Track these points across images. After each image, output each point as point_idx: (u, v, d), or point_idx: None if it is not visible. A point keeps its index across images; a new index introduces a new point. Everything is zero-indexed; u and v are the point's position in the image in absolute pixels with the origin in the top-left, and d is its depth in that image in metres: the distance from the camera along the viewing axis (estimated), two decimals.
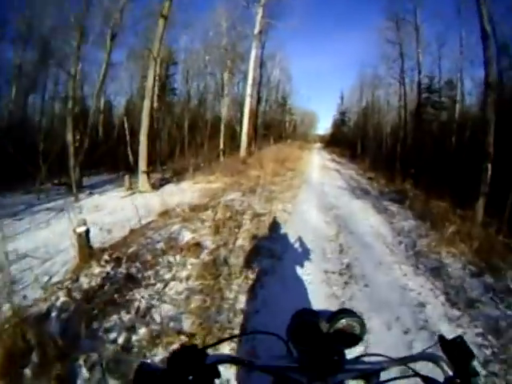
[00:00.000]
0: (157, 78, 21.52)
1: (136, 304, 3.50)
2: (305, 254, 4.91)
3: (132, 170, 13.56)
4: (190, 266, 4.56)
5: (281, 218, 6.83)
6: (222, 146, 21.72)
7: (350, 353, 0.89)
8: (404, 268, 4.67)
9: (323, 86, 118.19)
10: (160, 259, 4.62)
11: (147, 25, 16.88)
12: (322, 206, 8.18)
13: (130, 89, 24.57)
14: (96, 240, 5.22)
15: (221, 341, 1.46)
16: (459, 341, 0.80)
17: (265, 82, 35.94)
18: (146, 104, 11.75)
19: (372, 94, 36.05)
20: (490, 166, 7.66)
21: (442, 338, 0.82)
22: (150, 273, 4.23)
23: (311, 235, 5.81)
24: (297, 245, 5.30)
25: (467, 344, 0.80)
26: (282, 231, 6.04)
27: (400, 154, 20.81)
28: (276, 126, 42.64)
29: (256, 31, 18.70)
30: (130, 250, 4.87)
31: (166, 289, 3.91)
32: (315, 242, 5.51)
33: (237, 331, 3.08)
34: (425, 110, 18.64)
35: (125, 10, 13.91)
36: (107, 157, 16.78)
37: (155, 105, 20.97)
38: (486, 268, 4.62)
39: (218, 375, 0.72)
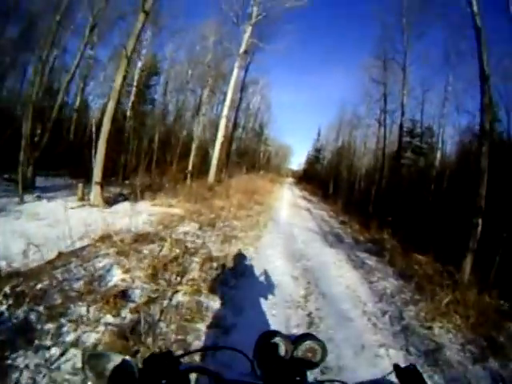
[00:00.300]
0: (134, 83, 20.69)
1: (14, 376, 2.35)
2: (262, 326, 3.58)
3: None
4: (102, 328, 3.22)
5: (238, 266, 5.51)
6: (190, 167, 20.45)
7: (312, 374, 0.99)
8: (392, 353, 3.51)
9: (300, 120, 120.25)
10: (71, 307, 3.38)
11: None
12: (290, 254, 6.88)
13: (109, 90, 22.91)
14: (14, 258, 4.20)
15: (194, 351, 1.79)
16: (412, 369, 0.86)
17: (244, 108, 35.49)
18: (110, 106, 10.34)
19: (349, 133, 36.22)
20: (480, 221, 6.81)
21: (396, 366, 0.88)
22: (50, 326, 3.03)
23: (274, 296, 4.50)
24: (254, 311, 3.96)
25: (420, 372, 0.86)
26: (238, 286, 4.71)
27: (374, 197, 20.24)
28: (250, 155, 42.05)
29: (241, 50, 17.99)
30: (41, 285, 3.63)
31: (62, 359, 2.66)
32: (278, 307, 4.20)
33: None
34: (404, 155, 18.05)
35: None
36: (73, 160, 15.30)
37: (128, 113, 19.87)
38: (488, 348, 3.82)
39: (189, 383, 0.80)
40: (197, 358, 2.59)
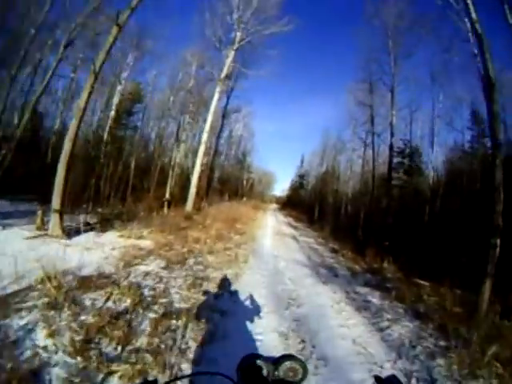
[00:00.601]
0: (113, 107, 19.50)
1: None
2: None
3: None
4: None
5: (206, 324, 4.03)
6: (167, 195, 19.13)
7: None
8: None
9: (284, 147, 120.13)
10: None
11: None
12: (276, 298, 5.45)
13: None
14: None
15: (178, 378, 1.75)
16: (393, 379, 0.92)
17: (226, 136, 34.70)
18: (72, 125, 9.02)
19: (334, 158, 35.80)
20: (499, 241, 5.76)
21: (377, 377, 0.93)
22: None
23: None
24: None
25: (401, 381, 0.90)
26: (204, 358, 3.29)
27: (364, 221, 19.15)
28: (233, 183, 41.16)
29: (223, 74, 17.12)
30: None
31: None
32: None
33: None
34: (394, 176, 17.08)
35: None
36: (44, 184, 13.67)
37: (105, 137, 18.66)
38: None
39: None
40: None
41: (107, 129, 19.39)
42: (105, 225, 10.67)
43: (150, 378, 0.88)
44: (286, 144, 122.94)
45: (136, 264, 6.39)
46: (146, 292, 4.83)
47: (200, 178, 21.04)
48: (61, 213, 8.62)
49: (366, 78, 18.54)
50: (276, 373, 1.00)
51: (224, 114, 25.89)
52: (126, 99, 21.42)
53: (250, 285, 5.88)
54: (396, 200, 16.00)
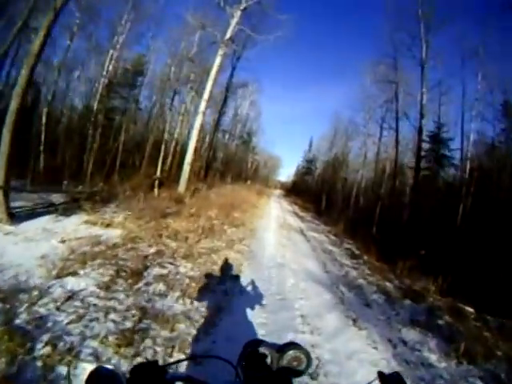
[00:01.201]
0: (104, 73, 17.67)
1: None
2: None
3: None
4: None
5: None
6: (158, 173, 16.80)
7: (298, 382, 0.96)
8: None
9: (291, 132, 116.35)
10: None
11: None
12: None
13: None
14: None
15: (180, 360, 1.74)
16: (396, 376, 0.90)
17: (232, 114, 32.23)
18: (22, 78, 6.68)
19: (344, 144, 33.29)
20: None
21: (381, 373, 0.91)
22: None
23: None
24: None
25: (404, 379, 0.90)
26: None
27: (379, 216, 16.78)
28: (236, 164, 38.89)
29: (227, 36, 14.53)
30: None
31: None
32: None
33: None
34: (424, 166, 14.56)
35: None
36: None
37: (95, 107, 16.99)
38: None
39: None
40: (183, 367, 2.39)
41: (98, 98, 17.35)
42: (73, 206, 8.47)
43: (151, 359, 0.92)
44: (294, 128, 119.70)
45: (70, 273, 4.11)
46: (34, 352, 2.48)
47: (197, 155, 18.89)
48: (5, 191, 6.36)
49: (390, 53, 16.13)
50: (280, 361, 0.98)
51: (228, 87, 23.31)
52: (127, 70, 19.59)
53: (235, 338, 3.16)
54: (424, 194, 13.43)
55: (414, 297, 6.11)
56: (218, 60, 14.97)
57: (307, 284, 5.58)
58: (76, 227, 6.72)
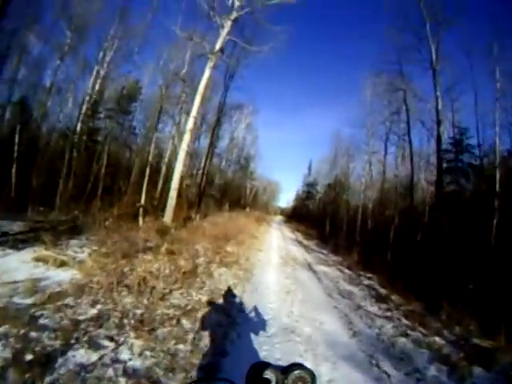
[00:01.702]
0: (88, 90, 16.54)
1: None
2: None
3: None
4: None
5: None
6: (143, 200, 14.94)
7: None
8: None
9: (287, 158, 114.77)
10: None
11: None
12: None
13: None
14: None
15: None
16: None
17: (228, 138, 30.81)
18: None
19: (346, 164, 31.65)
20: None
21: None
22: None
23: None
24: None
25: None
26: None
27: (393, 240, 14.81)
28: (234, 191, 37.11)
29: (217, 47, 12.95)
30: None
31: None
32: None
33: None
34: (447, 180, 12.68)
35: None
36: None
37: (78, 127, 15.95)
38: None
39: None
40: None
41: (80, 118, 16.12)
42: (30, 237, 7.04)
43: None
44: (292, 153, 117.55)
45: None
46: None
47: (192, 182, 17.22)
48: None
49: (393, 59, 14.80)
50: (285, 382, 0.97)
51: (222, 108, 21.61)
52: (122, 96, 18.83)
53: None
54: (450, 213, 11.44)
55: (482, 359, 4.11)
56: (206, 73, 13.35)
57: (332, 368, 3.51)
58: (19, 265, 5.32)
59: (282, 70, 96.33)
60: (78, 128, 15.73)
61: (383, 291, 7.81)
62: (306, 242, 18.96)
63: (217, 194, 29.61)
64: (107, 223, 10.14)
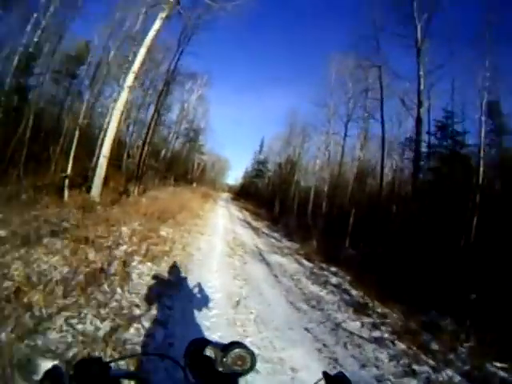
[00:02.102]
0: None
1: None
2: None
3: None
4: None
5: None
6: (69, 169, 12.34)
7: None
8: None
9: (238, 135, 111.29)
10: None
11: None
12: None
13: None
14: None
15: (124, 357, 1.51)
16: (341, 376, 0.90)
17: (177, 109, 28.29)
18: None
19: (301, 144, 30.61)
20: None
21: (325, 374, 0.91)
22: None
23: None
24: None
25: (348, 378, 0.88)
26: None
27: (352, 227, 13.52)
28: (181, 165, 34.62)
29: None
30: None
31: None
32: None
33: None
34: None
35: None
36: None
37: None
38: None
39: None
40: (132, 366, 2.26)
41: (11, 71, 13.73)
42: None
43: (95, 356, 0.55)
44: (243, 132, 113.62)
45: None
46: None
47: (133, 152, 14.86)
48: None
49: (369, 34, 13.56)
50: (224, 359, 0.89)
51: (173, 71, 18.44)
52: (69, 58, 17.21)
53: None
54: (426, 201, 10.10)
55: None
56: (157, 24, 10.98)
57: None
58: None
59: (241, 45, 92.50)
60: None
61: (357, 294, 6.14)
62: (255, 224, 17.12)
63: (162, 166, 27.06)
64: (23, 196, 8.16)
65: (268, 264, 7.38)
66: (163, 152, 28.63)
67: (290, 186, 29.94)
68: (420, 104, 10.80)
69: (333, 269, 8.06)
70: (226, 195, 53.20)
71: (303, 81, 73.69)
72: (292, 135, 31.48)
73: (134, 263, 4.96)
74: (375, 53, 13.52)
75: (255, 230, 14.14)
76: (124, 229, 7.12)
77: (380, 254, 9.90)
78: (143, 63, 11.43)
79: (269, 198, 33.22)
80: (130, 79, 10.84)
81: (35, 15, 13.70)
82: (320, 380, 0.90)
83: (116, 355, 2.50)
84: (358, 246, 12.34)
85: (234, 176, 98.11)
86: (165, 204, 12.04)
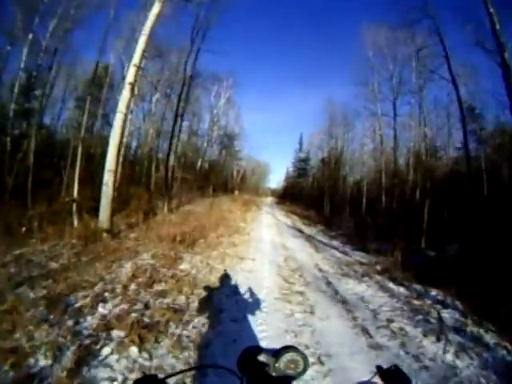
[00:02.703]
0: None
1: None
2: None
3: None
4: None
5: None
6: (75, 193, 10.87)
7: None
8: None
9: (274, 140, 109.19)
10: None
11: None
12: None
13: None
14: None
15: (180, 371, 1.36)
16: (395, 369, 0.87)
17: (208, 117, 28.26)
18: None
19: (343, 135, 28.22)
20: None
21: (379, 367, 0.88)
22: None
23: None
24: None
25: (403, 371, 0.86)
26: None
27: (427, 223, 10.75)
28: (219, 174, 33.05)
29: None
30: None
31: None
32: None
33: None
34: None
35: None
36: None
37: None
38: None
39: None
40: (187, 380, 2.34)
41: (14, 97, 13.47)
42: None
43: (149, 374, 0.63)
44: (278, 136, 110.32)
45: None
46: None
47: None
48: None
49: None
50: (277, 365, 0.91)
51: (192, 72, 16.23)
52: (91, 83, 15.92)
53: None
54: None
55: None
56: (156, 7, 9.25)
57: None
58: None
59: (264, 50, 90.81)
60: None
61: (493, 342, 3.48)
62: (307, 230, 14.54)
63: (198, 178, 25.35)
64: (24, 229, 7.34)
65: (344, 302, 4.83)
66: (199, 163, 27.13)
67: (338, 181, 27.59)
68: (502, 47, 7.91)
69: (432, 292, 5.43)
70: (269, 200, 51.38)
71: (336, 65, 70.09)
72: (333, 126, 28.95)
73: (105, 351, 2.68)
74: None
75: (310, 239, 11.58)
76: (126, 266, 5.01)
77: (473, 254, 7.19)
78: (143, 54, 9.41)
79: (316, 198, 30.93)
80: (131, 74, 9.03)
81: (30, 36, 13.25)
82: (374, 374, 0.88)
83: None
84: (435, 245, 9.58)
85: (276, 179, 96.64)
86: (198, 220, 10.46)
